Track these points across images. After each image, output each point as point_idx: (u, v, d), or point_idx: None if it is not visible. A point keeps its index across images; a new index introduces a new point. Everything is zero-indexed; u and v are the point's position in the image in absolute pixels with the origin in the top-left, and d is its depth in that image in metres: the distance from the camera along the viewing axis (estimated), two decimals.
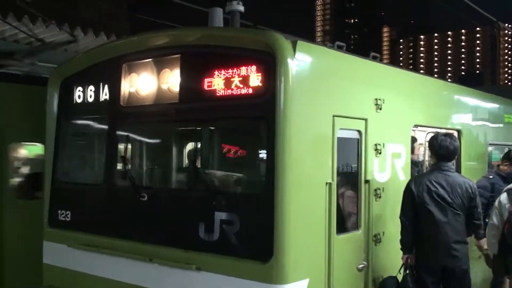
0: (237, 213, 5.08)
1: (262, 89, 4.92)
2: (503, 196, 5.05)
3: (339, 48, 5.77)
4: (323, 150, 5.20)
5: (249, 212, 5.09)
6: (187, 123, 5.92)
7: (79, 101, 6.67)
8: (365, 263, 5.77)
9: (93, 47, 6.83)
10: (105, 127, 6.43)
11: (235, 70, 5.06)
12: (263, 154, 5.11)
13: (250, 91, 4.97)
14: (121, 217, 6.10)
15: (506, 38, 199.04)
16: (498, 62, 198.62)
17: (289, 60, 4.75)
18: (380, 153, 5.97)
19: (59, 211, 6.72)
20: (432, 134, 7.50)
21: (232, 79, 5.14)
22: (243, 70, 5.01)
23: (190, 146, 6.22)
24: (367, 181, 5.81)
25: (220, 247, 5.16)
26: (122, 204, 6.13)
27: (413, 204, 5.63)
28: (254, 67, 4.95)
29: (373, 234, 5.91)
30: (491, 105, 9.31)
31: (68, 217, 6.64)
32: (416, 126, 6.90)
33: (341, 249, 5.42)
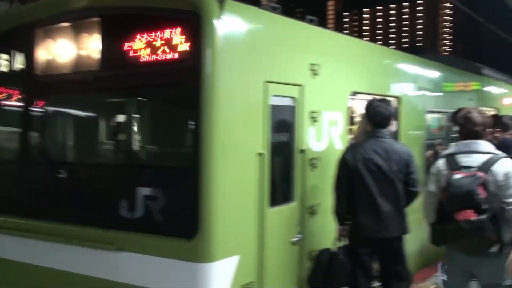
0: (162, 188, 4.71)
1: (187, 54, 4.51)
2: (441, 162, 4.83)
3: (274, 9, 5.40)
4: (254, 119, 4.86)
5: (174, 187, 4.72)
6: (108, 92, 5.43)
7: None
8: (299, 236, 5.53)
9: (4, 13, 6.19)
10: (21, 98, 5.85)
11: (158, 33, 4.62)
12: (188, 124, 4.73)
13: (176, 55, 4.55)
14: (38, 196, 5.59)
15: (445, 11, 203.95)
16: (438, 34, 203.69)
17: (215, 21, 4.34)
18: (316, 121, 5.70)
19: None
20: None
21: (154, 43, 4.71)
22: (167, 33, 4.58)
23: (111, 117, 5.73)
24: (302, 151, 5.53)
25: (144, 226, 4.79)
26: (39, 182, 5.62)
27: (348, 173, 5.37)
28: (178, 30, 4.52)
29: (309, 206, 5.67)
30: (431, 73, 9.21)
31: None
32: (354, 93, 6.66)
33: (274, 222, 5.15)
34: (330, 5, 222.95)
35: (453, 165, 4.71)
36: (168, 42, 4.57)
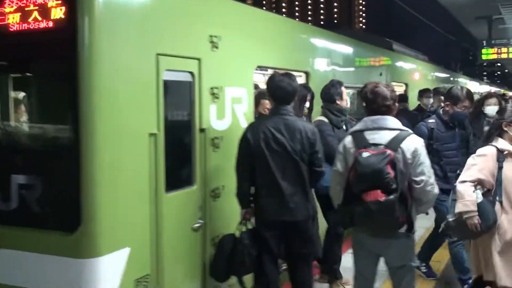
0: (39, 175, 4.15)
1: (63, 22, 3.92)
2: (348, 140, 4.55)
3: None
4: (144, 96, 4.36)
5: (53, 173, 4.17)
6: None
7: None
8: (201, 221, 5.14)
9: None
10: None
11: None
12: (66, 102, 4.16)
13: (50, 24, 3.95)
14: None
15: None
16: (353, 11, 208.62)
17: None
18: (217, 98, 5.28)
19: None
20: None
21: (26, 9, 4.07)
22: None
23: None
24: (202, 130, 5.10)
25: (20, 218, 4.21)
26: None
27: (249, 153, 4.98)
28: None
29: (211, 189, 5.28)
30: (341, 48, 9.03)
31: None
32: (260, 67, 6.30)
33: (172, 209, 4.72)
34: None
35: (361, 142, 4.44)
36: (41, 8, 3.95)
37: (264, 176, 4.92)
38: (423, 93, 11.22)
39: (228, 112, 5.50)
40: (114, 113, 4.02)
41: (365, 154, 4.29)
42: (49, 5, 3.97)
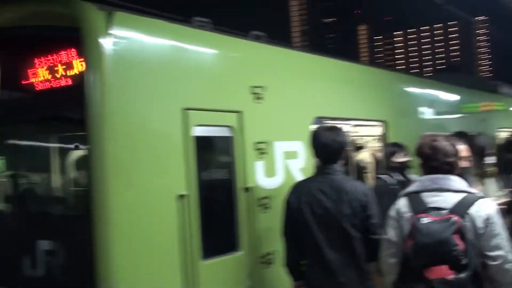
0: (62, 241, 3.94)
1: (74, 80, 3.80)
2: (402, 203, 3.82)
3: (201, 25, 4.62)
4: (170, 155, 4.04)
5: (72, 239, 3.95)
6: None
7: None
8: None
9: None
10: None
11: (42, 57, 3.94)
12: (82, 164, 3.96)
13: (63, 82, 3.85)
14: None
15: (480, 30, 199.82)
16: (475, 54, 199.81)
17: (101, 39, 3.59)
18: (264, 153, 4.83)
19: None
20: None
21: (44, 68, 4.03)
22: (52, 56, 3.92)
23: (9, 154, 5.01)
24: (247, 189, 4.66)
25: (47, 284, 4.00)
26: None
27: (292, 219, 4.40)
28: (62, 51, 3.84)
29: (261, 255, 4.76)
30: (426, 92, 8.23)
31: None
32: (320, 118, 5.75)
33: (212, 276, 4.28)
34: (361, 29, 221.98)
35: (419, 206, 3.69)
36: (52, 67, 3.86)
37: (309, 244, 4.28)
38: None
39: (279, 168, 5.02)
40: (131, 175, 3.73)
41: (425, 220, 3.54)
42: (61, 63, 3.90)
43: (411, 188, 3.88)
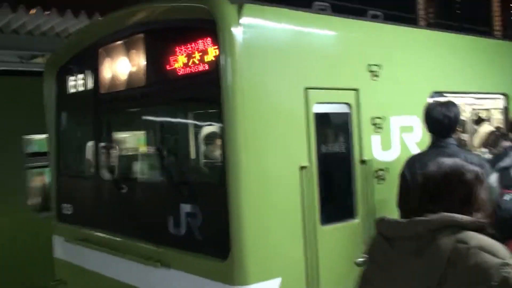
0: (199, 205, 4.55)
1: (210, 65, 4.31)
2: (494, 177, 3.90)
3: (321, 9, 4.95)
4: (293, 130, 4.47)
5: (209, 204, 4.54)
6: (152, 109, 5.44)
7: (72, 90, 6.44)
8: (366, 256, 4.97)
9: (75, 32, 6.57)
10: (90, 116, 6.15)
11: (182, 46, 4.53)
12: (218, 139, 4.51)
13: (198, 68, 4.40)
14: (107, 210, 5.80)
15: None
16: None
17: (233, 28, 4.07)
18: (380, 128, 5.11)
19: (63, 205, 6.58)
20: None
21: (181, 56, 4.60)
22: (188, 45, 4.46)
23: (156, 133, 5.73)
24: (363, 162, 4.98)
25: (186, 243, 4.67)
26: (106, 196, 5.84)
27: (406, 191, 4.65)
28: (199, 41, 4.37)
29: None
30: None
31: (70, 211, 6.48)
32: (437, 93, 5.86)
33: (329, 241, 4.69)
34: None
35: (506, 181, 3.79)
36: (189, 55, 4.43)
37: None
38: None
39: (395, 142, 5.27)
40: (258, 149, 4.21)
41: (507, 197, 3.67)
42: (195, 52, 4.44)
43: (505, 162, 3.96)
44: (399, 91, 5.29)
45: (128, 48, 5.23)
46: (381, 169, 5.11)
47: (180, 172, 5.14)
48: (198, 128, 5.20)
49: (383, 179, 5.12)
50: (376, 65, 5.03)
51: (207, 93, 4.50)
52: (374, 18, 5.36)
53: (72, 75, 6.34)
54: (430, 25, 7.64)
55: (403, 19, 5.80)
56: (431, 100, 5.65)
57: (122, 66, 5.36)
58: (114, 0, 6.57)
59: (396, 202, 4.81)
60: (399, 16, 5.81)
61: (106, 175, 5.65)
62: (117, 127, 6.17)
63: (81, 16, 10.29)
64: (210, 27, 4.15)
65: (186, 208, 4.64)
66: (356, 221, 4.96)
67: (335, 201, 4.94)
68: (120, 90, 5.43)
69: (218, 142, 4.57)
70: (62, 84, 6.56)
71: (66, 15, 10.46)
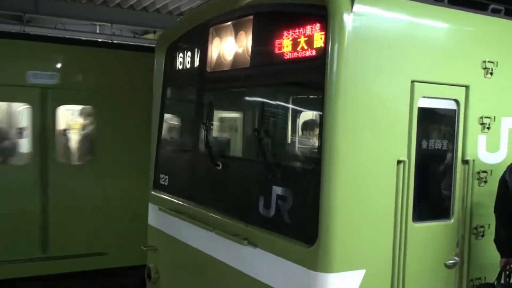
0: (291, 188, 4.59)
1: (317, 52, 4.28)
2: None
3: (438, 0, 4.75)
4: (395, 123, 4.36)
5: (301, 189, 4.55)
6: (254, 90, 5.50)
7: (180, 67, 6.68)
8: (457, 259, 4.80)
9: (190, 11, 6.79)
10: (195, 93, 6.36)
11: (290, 31, 4.52)
12: (316, 126, 4.50)
13: (306, 53, 4.39)
14: (200, 184, 6.01)
15: None
16: None
17: (345, 15, 4.02)
18: (488, 128, 4.86)
19: (160, 175, 6.89)
20: None
21: (289, 40, 4.60)
22: (297, 30, 4.46)
23: (256, 114, 5.77)
24: (465, 162, 4.77)
25: (275, 224, 4.73)
26: (201, 171, 6.03)
27: (506, 196, 4.40)
28: (308, 26, 4.35)
29: (473, 226, 4.87)
30: None
31: (166, 182, 6.77)
32: None
33: (420, 239, 4.57)
34: None
35: None
36: (296, 40, 4.42)
37: None
38: None
39: (503, 144, 4.99)
40: (357, 139, 4.16)
41: None
42: (304, 37, 4.42)
43: None
44: None
45: (237, 30, 5.33)
46: (484, 171, 4.88)
47: (276, 155, 5.20)
48: (298, 113, 5.22)
49: (485, 182, 4.89)
50: (491, 62, 4.77)
51: (311, 79, 4.49)
52: (495, 12, 5.07)
53: (182, 53, 6.57)
54: None
55: None
56: None
57: (229, 47, 5.48)
58: None
59: (494, 207, 4.60)
60: None
61: (204, 150, 5.83)
62: (220, 106, 6.33)
63: None
64: (321, 13, 4.13)
65: (278, 190, 4.69)
66: (450, 222, 4.78)
67: (430, 199, 4.79)
68: (225, 70, 5.56)
69: (317, 129, 4.55)
70: (171, 60, 6.82)
71: None
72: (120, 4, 14.48)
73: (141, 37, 16.30)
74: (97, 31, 15.83)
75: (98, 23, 15.60)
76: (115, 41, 13.71)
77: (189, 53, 6.43)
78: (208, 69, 5.90)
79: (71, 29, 14.35)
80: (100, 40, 13.15)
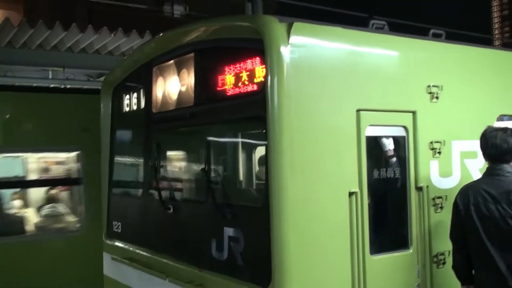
0: (242, 229, 4.39)
1: (258, 86, 4.17)
2: None
3: (378, 28, 4.72)
4: (344, 154, 4.24)
5: (251, 229, 4.35)
6: (200, 129, 5.34)
7: (127, 109, 6.50)
8: None
9: (132, 52, 6.64)
10: (143, 135, 6.16)
11: (231, 66, 4.42)
12: (262, 161, 4.34)
13: (249, 88, 4.28)
14: (153, 230, 5.75)
15: None
16: None
17: (282, 48, 3.91)
18: (439, 153, 4.78)
19: (113, 222, 6.61)
20: None
21: (228, 76, 4.50)
22: (237, 65, 4.36)
23: (201, 154, 5.61)
24: (419, 188, 4.67)
25: (228, 268, 4.51)
26: (153, 216, 5.78)
27: (460, 221, 4.31)
28: (248, 61, 4.26)
29: (433, 254, 4.74)
30: None
31: (119, 229, 6.50)
32: (506, 116, 5.43)
33: (379, 272, 4.40)
34: None
35: None
36: (238, 75, 4.31)
37: (476, 248, 4.18)
38: None
39: (456, 168, 4.92)
40: (307, 172, 4.01)
41: None
42: (243, 72, 4.32)
43: None
44: (462, 113, 4.96)
45: (179, 68, 5.20)
46: (439, 197, 4.78)
47: (225, 194, 5.01)
48: (245, 149, 5.06)
49: (441, 207, 4.79)
50: (436, 86, 4.73)
51: (254, 114, 4.34)
52: (436, 37, 5.07)
53: (128, 94, 6.40)
54: (505, 45, 7.21)
55: (476, 39, 5.47)
56: (498, 124, 5.27)
57: (173, 86, 5.33)
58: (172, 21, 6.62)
59: (449, 233, 4.49)
60: (472, 36, 5.49)
61: (154, 194, 5.60)
62: (168, 147, 6.13)
63: (146, 36, 10.60)
64: (258, 46, 4.02)
65: (229, 231, 4.49)
66: (409, 251, 4.65)
67: (387, 230, 4.65)
68: (171, 110, 5.40)
69: (264, 164, 4.39)
70: (118, 103, 6.63)
71: (132, 35, 10.85)
72: (71, 47, 14.21)
73: (96, 80, 16.01)
74: (50, 77, 15.49)
75: (50, 68, 15.27)
76: (68, 86, 13.41)
77: (135, 94, 6.27)
78: (154, 110, 5.72)
79: (22, 76, 13.98)
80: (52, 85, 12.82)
